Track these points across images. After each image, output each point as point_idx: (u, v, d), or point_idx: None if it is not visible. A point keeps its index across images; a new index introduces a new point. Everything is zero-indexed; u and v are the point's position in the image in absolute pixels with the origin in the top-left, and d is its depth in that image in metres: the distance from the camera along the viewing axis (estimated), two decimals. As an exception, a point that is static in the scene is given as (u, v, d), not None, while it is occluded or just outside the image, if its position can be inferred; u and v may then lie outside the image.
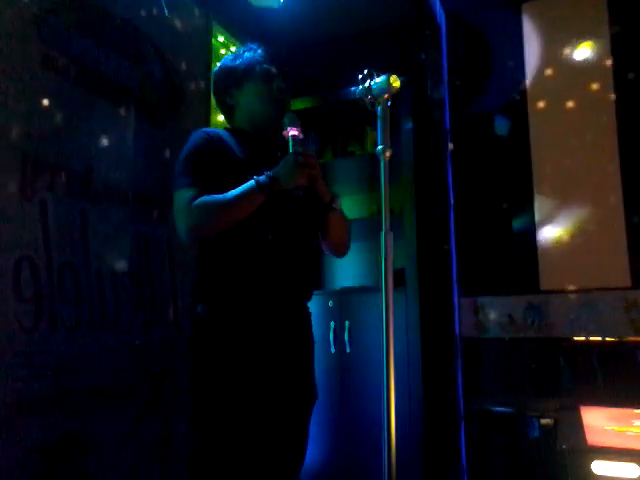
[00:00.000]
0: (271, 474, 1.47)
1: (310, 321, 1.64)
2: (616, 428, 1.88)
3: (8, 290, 1.60)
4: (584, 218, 2.53)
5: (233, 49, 2.95)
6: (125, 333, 2.01)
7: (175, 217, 1.49)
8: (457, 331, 2.64)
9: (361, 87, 1.29)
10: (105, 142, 1.99)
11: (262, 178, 1.41)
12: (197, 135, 1.55)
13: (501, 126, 2.76)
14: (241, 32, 2.95)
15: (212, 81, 1.71)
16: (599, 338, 2.42)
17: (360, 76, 1.29)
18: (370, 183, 3.06)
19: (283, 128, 1.50)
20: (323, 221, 1.62)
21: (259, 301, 1.48)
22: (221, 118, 2.12)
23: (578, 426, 1.90)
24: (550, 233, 2.58)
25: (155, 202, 2.19)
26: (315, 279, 1.69)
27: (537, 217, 2.61)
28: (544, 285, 2.55)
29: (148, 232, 2.15)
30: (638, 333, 2.34)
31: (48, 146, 1.77)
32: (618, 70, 2.54)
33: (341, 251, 1.71)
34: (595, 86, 2.59)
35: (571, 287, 2.50)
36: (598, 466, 1.64)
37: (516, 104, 2.72)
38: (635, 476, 1.59)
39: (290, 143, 1.48)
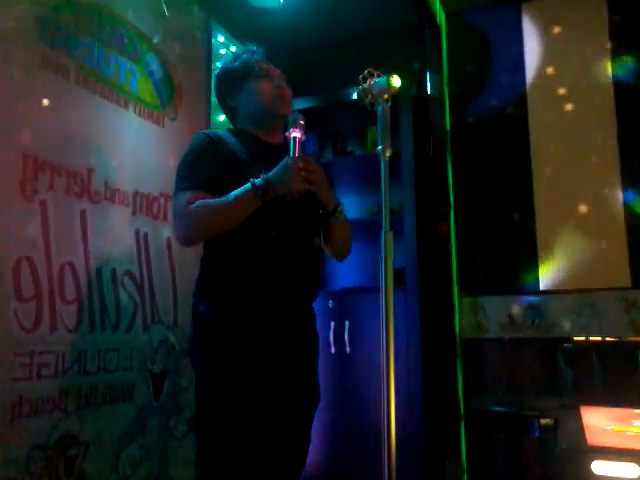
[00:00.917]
0: (273, 474, 1.46)
1: (314, 322, 1.63)
2: (616, 428, 1.88)
3: (8, 290, 1.60)
4: (584, 218, 2.53)
5: (233, 49, 2.95)
6: (125, 333, 2.01)
7: (173, 220, 1.50)
8: (457, 331, 2.64)
9: (361, 87, 1.29)
10: (105, 142, 1.99)
11: (258, 181, 1.39)
12: (197, 137, 1.55)
13: (501, 126, 2.76)
14: (241, 32, 2.95)
15: (213, 84, 1.71)
16: (599, 338, 2.42)
17: (360, 76, 1.29)
18: (370, 183, 3.05)
19: (286, 128, 1.48)
20: (325, 227, 1.60)
21: (262, 301, 1.47)
22: (222, 118, 2.12)
23: (578, 426, 1.90)
24: (550, 233, 2.58)
25: (155, 202, 2.19)
26: (318, 279, 1.65)
27: (537, 217, 2.61)
28: (544, 285, 2.55)
29: (148, 232, 2.15)
30: (638, 333, 2.34)
31: (48, 146, 1.77)
32: (618, 68, 2.54)
33: (341, 257, 1.70)
34: (595, 86, 2.59)
35: (571, 287, 2.50)
36: (598, 466, 1.64)
37: (516, 104, 2.72)
38: (635, 476, 1.59)
39: (290, 145, 1.44)
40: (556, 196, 2.59)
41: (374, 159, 1.22)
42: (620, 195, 2.46)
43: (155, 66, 2.27)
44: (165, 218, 2.22)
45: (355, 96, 1.31)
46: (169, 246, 2.24)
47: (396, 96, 1.28)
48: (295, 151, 1.43)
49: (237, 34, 2.95)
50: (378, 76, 1.26)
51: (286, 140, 1.49)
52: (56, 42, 1.81)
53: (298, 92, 1.25)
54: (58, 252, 1.77)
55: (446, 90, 2.85)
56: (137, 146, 2.13)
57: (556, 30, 2.71)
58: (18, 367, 1.61)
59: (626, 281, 2.40)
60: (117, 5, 2.09)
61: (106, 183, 1.98)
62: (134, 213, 2.10)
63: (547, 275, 2.55)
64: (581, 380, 2.42)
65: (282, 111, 1.57)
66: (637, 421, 1.93)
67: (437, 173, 2.79)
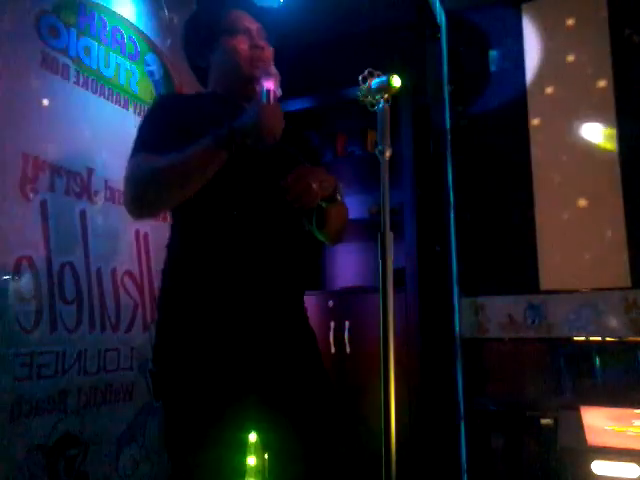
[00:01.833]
0: None
1: (304, 322, 1.37)
2: (616, 428, 1.87)
3: (8, 290, 1.60)
4: (584, 218, 2.53)
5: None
6: (125, 333, 2.01)
7: (123, 190, 1.26)
8: (457, 331, 2.64)
9: (361, 87, 1.29)
10: (105, 142, 1.99)
11: (223, 130, 1.14)
12: (156, 99, 1.37)
13: (501, 126, 2.76)
14: (241, 32, 2.94)
15: (183, 40, 1.48)
16: (599, 338, 2.42)
17: (360, 76, 1.29)
18: (370, 183, 3.05)
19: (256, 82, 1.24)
20: (322, 212, 1.38)
21: (226, 297, 1.22)
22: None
23: (578, 426, 1.90)
24: (550, 233, 2.58)
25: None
26: (305, 270, 1.40)
27: (537, 217, 2.60)
28: (544, 285, 2.55)
29: (148, 232, 2.15)
30: (638, 333, 2.34)
31: (48, 146, 1.77)
32: (618, 70, 2.54)
33: (335, 242, 1.53)
34: (595, 86, 2.59)
35: (571, 287, 2.50)
36: (598, 466, 1.64)
37: (516, 104, 2.72)
38: (635, 476, 1.59)
39: (263, 98, 1.20)
40: (556, 196, 2.59)
41: (374, 159, 1.21)
42: (620, 194, 2.46)
43: (155, 66, 2.27)
44: (165, 218, 2.22)
45: (355, 96, 1.29)
46: (169, 246, 2.24)
47: (396, 96, 1.28)
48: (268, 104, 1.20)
49: (237, 34, 2.94)
50: (378, 76, 1.25)
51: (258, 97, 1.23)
52: (56, 42, 1.81)
53: (298, 92, 1.23)
54: (58, 252, 1.77)
55: (446, 90, 2.85)
56: (137, 146, 2.13)
57: (556, 30, 2.71)
58: (18, 367, 1.61)
59: (626, 281, 2.40)
60: (117, 5, 2.09)
61: (106, 183, 1.98)
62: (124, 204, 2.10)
63: (547, 275, 2.55)
64: (581, 380, 2.42)
65: (257, 73, 1.31)
66: (637, 421, 1.93)
67: (437, 173, 2.79)
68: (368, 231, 2.65)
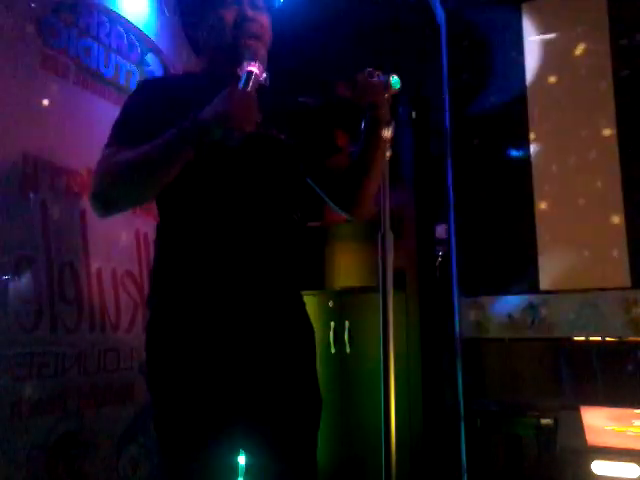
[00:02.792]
0: None
1: (295, 324, 1.26)
2: (616, 428, 1.87)
3: (8, 290, 1.60)
4: (584, 218, 2.53)
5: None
6: (125, 333, 2.01)
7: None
8: (457, 331, 2.63)
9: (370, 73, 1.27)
10: (105, 142, 1.99)
11: (186, 123, 1.04)
12: (135, 87, 1.27)
13: (501, 126, 2.75)
14: (241, 32, 2.94)
15: (178, 9, 1.41)
16: (599, 338, 2.42)
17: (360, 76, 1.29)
18: (370, 183, 3.05)
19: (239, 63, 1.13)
20: (370, 151, 1.26)
21: (216, 295, 1.15)
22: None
23: (578, 426, 1.90)
24: (550, 233, 2.58)
25: (155, 202, 2.19)
26: (299, 265, 1.30)
27: (537, 217, 2.60)
28: (544, 285, 2.55)
29: (148, 232, 2.15)
30: (638, 333, 2.34)
31: (48, 146, 1.77)
32: (618, 69, 2.54)
33: (365, 210, 1.36)
34: (595, 85, 2.59)
35: (571, 287, 2.50)
36: (598, 466, 1.64)
37: (516, 104, 2.72)
38: (635, 476, 1.59)
39: (242, 82, 1.08)
40: (556, 195, 2.59)
41: (374, 159, 1.22)
42: (620, 194, 2.46)
43: (155, 66, 2.27)
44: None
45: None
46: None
47: (396, 96, 1.28)
48: (246, 89, 1.07)
49: (237, 34, 2.94)
50: (378, 76, 1.25)
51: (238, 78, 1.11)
52: (56, 42, 1.81)
53: (298, 92, 1.21)
54: (58, 252, 1.77)
55: (446, 90, 2.85)
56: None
57: (556, 30, 2.71)
58: (18, 367, 1.61)
59: (626, 281, 2.40)
60: (117, 5, 2.09)
61: (106, 183, 1.98)
62: (134, 213, 2.10)
63: (547, 275, 2.55)
64: (581, 380, 2.42)
65: (245, 43, 1.21)
66: (637, 421, 1.93)
67: (437, 173, 2.79)
68: (368, 231, 2.66)
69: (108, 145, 1.19)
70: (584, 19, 2.65)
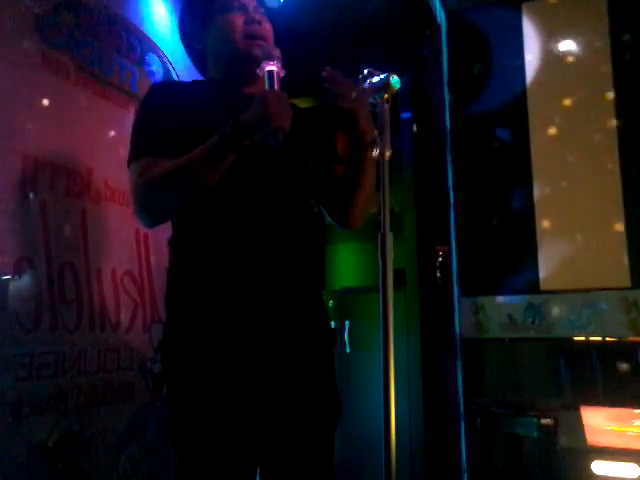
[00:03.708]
0: None
1: (324, 316, 1.30)
2: (616, 428, 1.88)
3: (8, 290, 1.60)
4: (584, 218, 2.53)
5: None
6: (125, 333, 2.01)
7: (131, 198, 1.20)
8: (457, 331, 2.64)
9: (361, 87, 1.28)
10: (105, 142, 1.99)
11: (227, 129, 1.05)
12: (148, 91, 1.27)
13: (501, 126, 2.75)
14: (241, 32, 2.94)
15: (177, 26, 1.43)
16: (599, 338, 2.42)
17: (360, 76, 1.29)
18: (370, 183, 3.05)
19: (257, 65, 1.17)
20: (356, 172, 1.27)
21: (245, 291, 1.15)
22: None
23: (578, 426, 1.90)
24: (550, 233, 2.58)
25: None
26: (322, 266, 1.32)
27: (537, 217, 2.60)
28: (544, 285, 2.55)
29: (148, 232, 2.15)
30: (638, 333, 2.34)
31: (48, 146, 1.76)
32: (618, 69, 2.54)
33: (359, 221, 1.38)
34: (595, 85, 2.59)
35: (571, 287, 2.50)
36: (598, 466, 1.64)
37: (516, 103, 2.72)
38: (635, 476, 1.60)
39: (267, 82, 1.14)
40: (556, 195, 2.59)
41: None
42: (621, 194, 2.46)
43: (155, 66, 2.27)
44: (165, 218, 2.22)
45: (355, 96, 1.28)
46: (169, 246, 2.24)
47: (396, 96, 1.28)
48: (273, 87, 1.13)
49: (237, 34, 2.94)
50: (378, 76, 1.25)
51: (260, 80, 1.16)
52: (56, 42, 1.81)
53: (298, 92, 1.20)
54: (58, 252, 1.76)
55: (446, 90, 2.85)
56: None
57: (556, 30, 2.71)
58: (18, 367, 1.61)
59: (626, 281, 2.40)
60: (117, 5, 2.09)
61: (106, 183, 1.97)
62: (134, 213, 2.09)
63: (547, 275, 2.55)
64: (581, 380, 2.42)
65: (258, 44, 1.25)
66: (637, 421, 1.93)
67: (437, 173, 2.79)
68: (368, 231, 2.66)
69: (139, 156, 1.18)
70: (584, 19, 2.65)
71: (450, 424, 2.56)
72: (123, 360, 1.98)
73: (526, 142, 2.67)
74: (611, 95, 2.54)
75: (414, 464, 2.45)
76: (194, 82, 1.38)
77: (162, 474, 2.12)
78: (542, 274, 2.56)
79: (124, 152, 2.05)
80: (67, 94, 1.85)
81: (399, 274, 2.56)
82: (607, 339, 2.41)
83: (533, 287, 2.56)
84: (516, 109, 2.72)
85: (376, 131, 1.16)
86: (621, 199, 2.45)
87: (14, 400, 1.59)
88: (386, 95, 1.24)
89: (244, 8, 1.29)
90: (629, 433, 1.82)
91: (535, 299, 2.55)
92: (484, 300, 2.64)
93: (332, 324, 1.31)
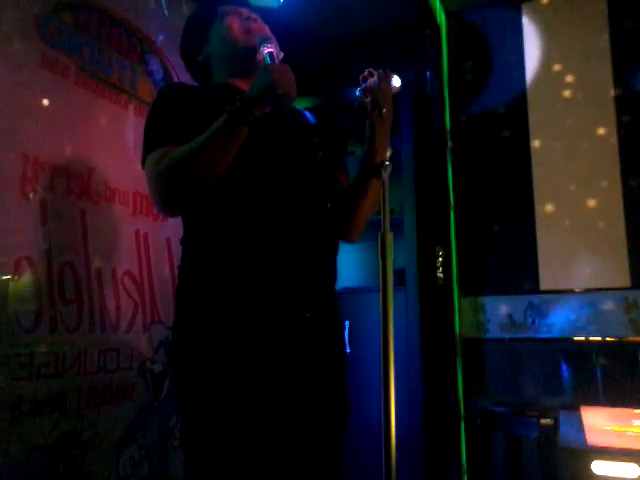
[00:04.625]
0: None
1: (336, 315, 1.34)
2: (616, 428, 1.88)
3: (8, 290, 1.60)
4: (584, 217, 2.53)
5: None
6: (125, 333, 2.01)
7: (149, 191, 1.20)
8: (457, 331, 2.64)
9: (361, 87, 1.29)
10: (105, 142, 1.99)
11: (236, 104, 1.10)
12: (162, 89, 1.33)
13: (501, 126, 2.75)
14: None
15: (180, 47, 1.49)
16: (599, 338, 2.42)
17: (360, 76, 1.29)
18: (370, 183, 3.05)
19: (256, 52, 1.26)
20: (359, 192, 1.32)
21: (261, 287, 1.15)
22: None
23: (578, 426, 1.90)
24: (550, 233, 2.58)
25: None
26: (334, 262, 1.37)
27: (537, 217, 2.61)
28: (544, 285, 2.55)
29: (148, 232, 2.15)
30: (638, 333, 2.34)
31: (48, 146, 1.76)
32: (618, 69, 2.54)
33: (358, 234, 1.44)
34: (595, 85, 2.59)
35: (571, 287, 2.50)
36: (598, 466, 1.64)
37: (516, 103, 2.72)
38: (635, 476, 1.59)
39: (268, 60, 1.21)
40: (556, 195, 2.59)
41: (374, 159, 1.21)
42: (620, 194, 2.46)
43: (155, 66, 2.27)
44: (165, 218, 2.22)
45: (355, 96, 1.29)
46: (169, 246, 2.24)
47: (396, 96, 1.28)
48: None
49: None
50: (377, 76, 1.25)
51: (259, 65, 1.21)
52: (56, 42, 1.81)
53: (298, 92, 1.20)
54: (58, 252, 1.76)
55: (446, 90, 2.85)
56: (137, 146, 2.13)
57: (556, 30, 2.71)
58: (18, 367, 1.61)
59: (626, 281, 2.40)
60: (117, 5, 2.09)
61: (106, 183, 1.98)
62: (134, 213, 2.10)
63: (547, 275, 2.55)
64: (581, 380, 2.42)
65: (254, 40, 1.31)
66: (637, 421, 1.93)
67: (437, 173, 2.79)
68: (368, 231, 2.65)
69: (151, 150, 1.19)
70: (584, 19, 2.65)
71: (450, 424, 2.56)
72: (123, 360, 1.98)
73: (526, 142, 2.67)
74: (611, 92, 2.54)
75: (414, 464, 2.45)
76: (204, 85, 1.42)
77: (162, 474, 2.12)
78: (542, 274, 2.56)
79: (124, 152, 2.06)
80: (67, 94, 1.85)
81: (399, 274, 2.56)
82: (607, 339, 2.41)
83: (533, 287, 2.56)
84: (516, 109, 2.72)
85: (389, 153, 1.23)
86: (622, 199, 2.46)
87: (14, 400, 1.59)
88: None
89: (238, 12, 1.39)
90: (629, 433, 1.82)
91: (535, 299, 2.55)
92: (484, 300, 2.64)
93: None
